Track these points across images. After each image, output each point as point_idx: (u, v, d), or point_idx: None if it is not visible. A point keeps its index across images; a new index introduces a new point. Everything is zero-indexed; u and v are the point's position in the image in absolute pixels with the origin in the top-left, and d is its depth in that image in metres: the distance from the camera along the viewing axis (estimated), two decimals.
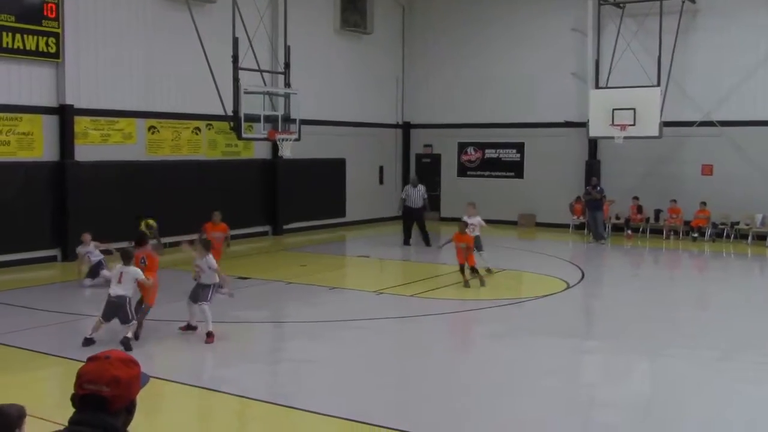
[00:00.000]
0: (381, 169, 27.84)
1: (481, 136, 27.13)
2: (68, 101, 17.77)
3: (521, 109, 26.04)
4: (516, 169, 26.69)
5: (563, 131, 25.27)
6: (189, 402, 8.43)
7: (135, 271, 10.08)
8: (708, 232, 22.83)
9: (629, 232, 23.58)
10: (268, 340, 11.25)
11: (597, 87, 23.24)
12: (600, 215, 22.55)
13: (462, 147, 27.76)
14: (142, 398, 2.73)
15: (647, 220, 23.90)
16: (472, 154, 27.54)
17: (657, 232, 23.65)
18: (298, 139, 19.03)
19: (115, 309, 9.99)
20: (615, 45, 23.21)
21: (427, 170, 28.57)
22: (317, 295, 13.51)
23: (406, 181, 28.66)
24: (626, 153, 23.64)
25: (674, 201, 23.29)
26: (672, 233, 23.30)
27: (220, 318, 11.72)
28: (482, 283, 14.09)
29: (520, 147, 26.61)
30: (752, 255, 20.74)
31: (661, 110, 21.42)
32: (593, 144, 24.75)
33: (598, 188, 22.67)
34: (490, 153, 27.18)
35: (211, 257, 10.58)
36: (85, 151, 18.11)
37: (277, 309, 13.04)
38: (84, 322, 11.14)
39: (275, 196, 23.03)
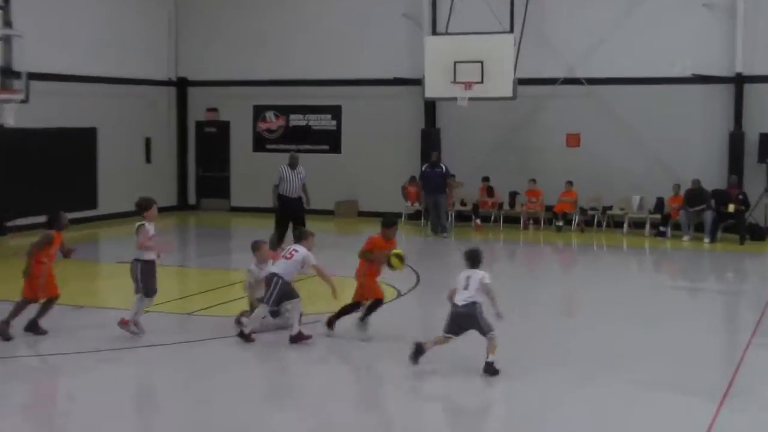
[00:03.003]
0: (148, 141, 27.30)
1: (285, 96, 27.22)
2: None
3: (338, 61, 26.34)
4: (331, 140, 27.02)
5: (392, 91, 25.83)
6: None
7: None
8: (575, 219, 24.16)
9: (478, 221, 24.50)
10: None
11: (434, 33, 23.91)
12: (443, 200, 23.28)
13: (259, 112, 27.72)
14: None
15: (500, 205, 24.91)
16: (273, 122, 27.59)
17: (513, 220, 24.72)
18: (25, 101, 18.29)
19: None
20: None
21: (212, 143, 28.33)
22: (58, 319, 13.06)
23: (183, 158, 28.38)
24: (473, 119, 24.52)
25: (534, 181, 24.46)
26: (531, 222, 24.46)
27: None
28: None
29: (336, 111, 26.95)
30: (628, 248, 22.15)
31: (515, 64, 22.35)
32: (431, 107, 25.47)
33: (441, 166, 23.39)
34: (296, 119, 27.34)
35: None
36: None
37: None
38: None
39: None
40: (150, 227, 12.30)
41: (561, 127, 24.83)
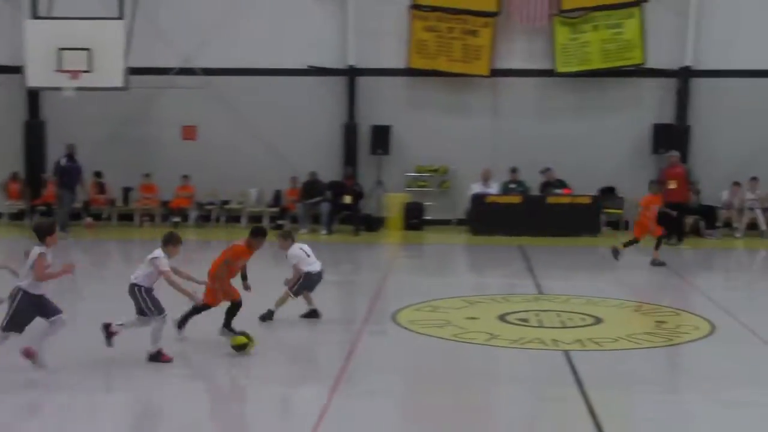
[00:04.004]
0: None
1: None
2: None
3: None
4: None
5: None
6: None
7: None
8: (192, 214, 24.33)
9: (89, 219, 23.88)
10: None
11: (36, 16, 22.99)
12: (68, 195, 22.42)
13: None
14: None
15: (113, 202, 24.55)
16: None
17: (127, 218, 24.42)
18: None
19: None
20: None
21: None
22: None
23: None
24: (81, 110, 23.85)
25: (148, 175, 24.32)
26: (147, 218, 24.30)
27: None
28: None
29: None
30: None
31: (126, 52, 22.07)
32: (34, 98, 24.58)
33: (77, 160, 22.52)
34: None
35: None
36: None
37: None
38: None
39: None
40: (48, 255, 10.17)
41: (177, 120, 24.91)
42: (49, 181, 23.96)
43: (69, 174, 22.57)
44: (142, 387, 9.96)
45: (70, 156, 22.73)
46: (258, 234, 12.10)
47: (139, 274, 10.64)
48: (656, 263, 18.26)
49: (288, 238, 12.92)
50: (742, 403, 9.36)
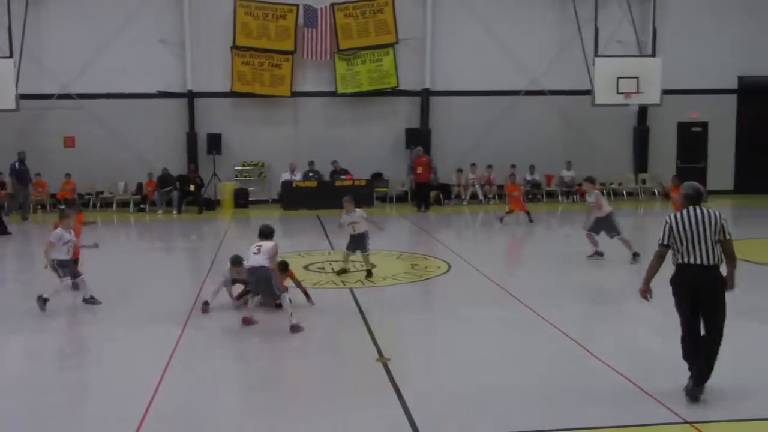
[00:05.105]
0: None
1: None
2: None
3: None
4: None
5: None
6: None
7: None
8: (76, 203, 22.89)
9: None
10: None
11: None
12: (24, 191, 21.44)
13: None
14: None
15: (12, 196, 22.80)
16: None
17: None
18: None
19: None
20: None
21: None
22: None
23: None
24: None
25: (39, 174, 22.78)
26: (39, 206, 22.88)
27: None
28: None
29: None
30: (118, 222, 21.54)
31: (17, 82, 20.61)
32: None
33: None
34: None
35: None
36: None
37: None
38: None
39: None
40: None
41: (60, 132, 23.52)
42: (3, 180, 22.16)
43: (25, 174, 21.50)
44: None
45: (22, 161, 21.32)
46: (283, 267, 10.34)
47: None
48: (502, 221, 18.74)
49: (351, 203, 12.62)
50: (470, 318, 9.71)
